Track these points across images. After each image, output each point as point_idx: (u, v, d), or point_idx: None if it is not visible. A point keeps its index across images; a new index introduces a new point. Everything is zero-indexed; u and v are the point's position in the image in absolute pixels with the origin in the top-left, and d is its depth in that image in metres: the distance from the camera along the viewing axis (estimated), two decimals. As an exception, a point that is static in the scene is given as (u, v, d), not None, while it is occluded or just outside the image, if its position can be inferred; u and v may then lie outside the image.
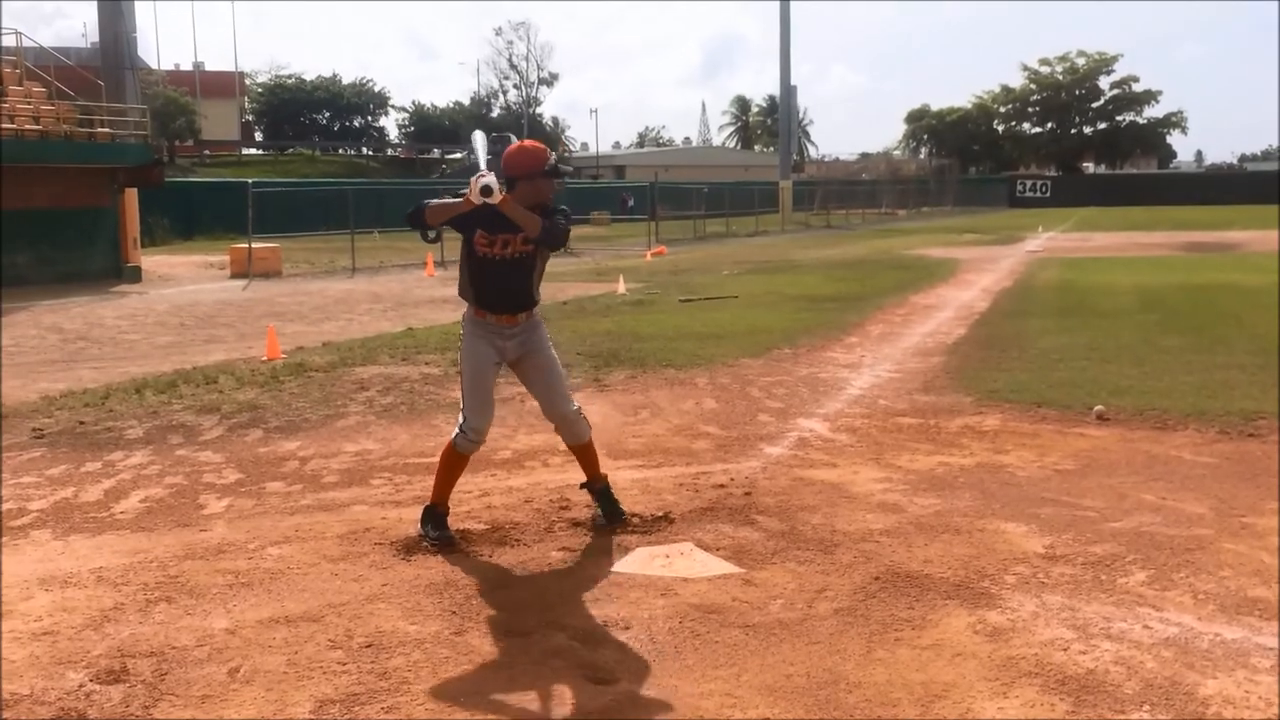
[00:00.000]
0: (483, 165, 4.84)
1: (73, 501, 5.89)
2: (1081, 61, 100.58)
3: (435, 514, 5.16)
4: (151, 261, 26.01)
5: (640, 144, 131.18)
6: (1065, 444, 6.96)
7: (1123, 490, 5.86)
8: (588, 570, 4.78)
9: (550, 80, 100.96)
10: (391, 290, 20.12)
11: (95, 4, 26.17)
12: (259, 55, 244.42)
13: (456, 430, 5.12)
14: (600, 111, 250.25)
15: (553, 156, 5.08)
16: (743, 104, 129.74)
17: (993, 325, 13.10)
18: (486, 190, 4.65)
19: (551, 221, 4.92)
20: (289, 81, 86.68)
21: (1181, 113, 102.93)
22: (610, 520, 5.32)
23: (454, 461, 5.20)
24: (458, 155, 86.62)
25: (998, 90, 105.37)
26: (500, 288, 5.07)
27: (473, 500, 5.69)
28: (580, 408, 5.36)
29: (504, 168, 4.89)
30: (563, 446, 6.63)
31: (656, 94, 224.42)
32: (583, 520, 5.41)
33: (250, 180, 33.60)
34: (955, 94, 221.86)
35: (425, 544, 5.05)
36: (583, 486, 5.48)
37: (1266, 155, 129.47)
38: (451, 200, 4.89)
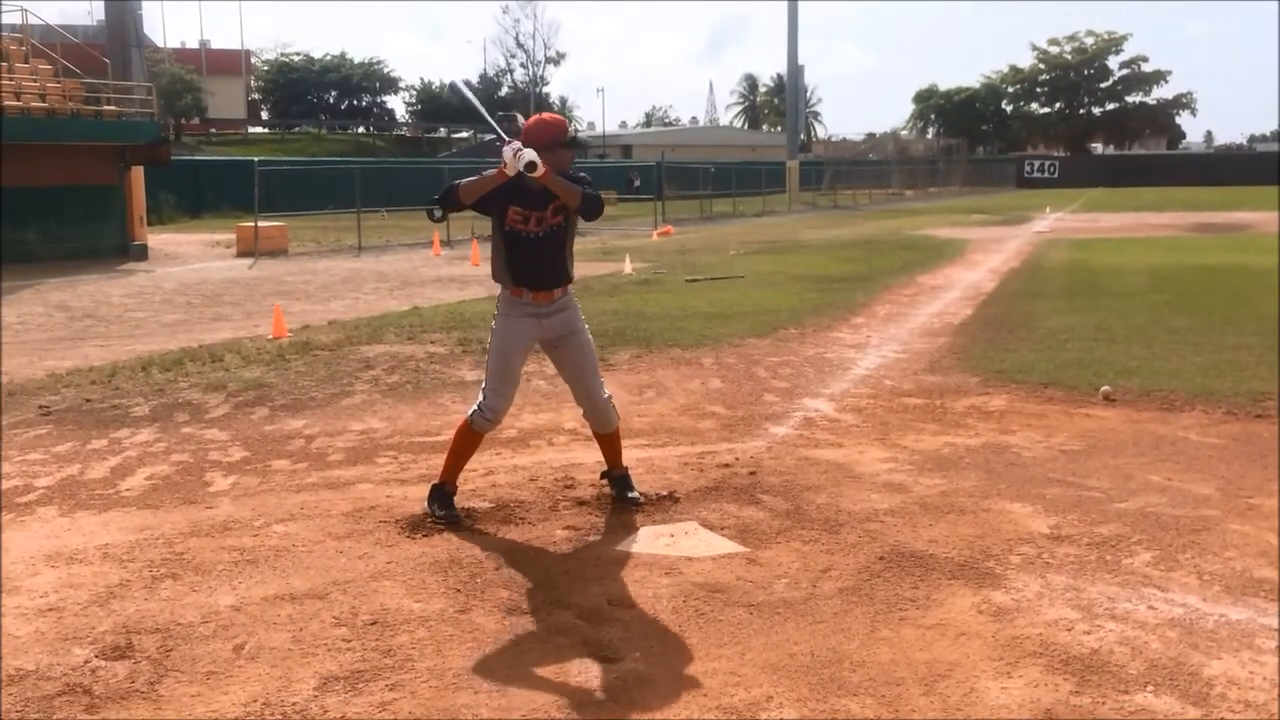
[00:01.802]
0: (506, 137, 4.80)
1: (79, 478, 5.90)
2: (1090, 41, 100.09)
3: (443, 493, 5.17)
4: (158, 239, 26.03)
5: (647, 123, 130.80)
6: (1072, 424, 6.94)
7: (1129, 471, 5.85)
8: (592, 549, 4.78)
9: (557, 59, 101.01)
10: (398, 269, 20.11)
11: (101, -19, 26.10)
12: (265, 33, 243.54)
13: (474, 409, 5.10)
14: (607, 91, 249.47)
15: (572, 127, 5.11)
16: (751, 83, 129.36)
17: (1000, 305, 13.07)
18: (531, 165, 4.60)
19: (587, 190, 4.88)
20: (295, 60, 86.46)
21: (1191, 93, 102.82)
22: (628, 501, 5.32)
23: (469, 440, 5.18)
24: (464, 135, 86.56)
25: (1006, 70, 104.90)
26: (537, 264, 5.02)
27: (478, 478, 5.69)
28: (611, 395, 5.33)
29: (524, 140, 4.85)
30: (569, 425, 6.65)
31: (663, 73, 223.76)
32: (587, 499, 5.41)
33: (257, 159, 33.57)
34: (964, 74, 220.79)
35: (431, 521, 5.06)
36: (603, 476, 5.48)
37: (1277, 136, 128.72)
38: (486, 175, 4.85)
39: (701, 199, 42.56)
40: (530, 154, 4.61)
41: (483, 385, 5.17)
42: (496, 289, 5.22)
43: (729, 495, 5.48)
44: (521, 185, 4.81)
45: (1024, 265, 18.86)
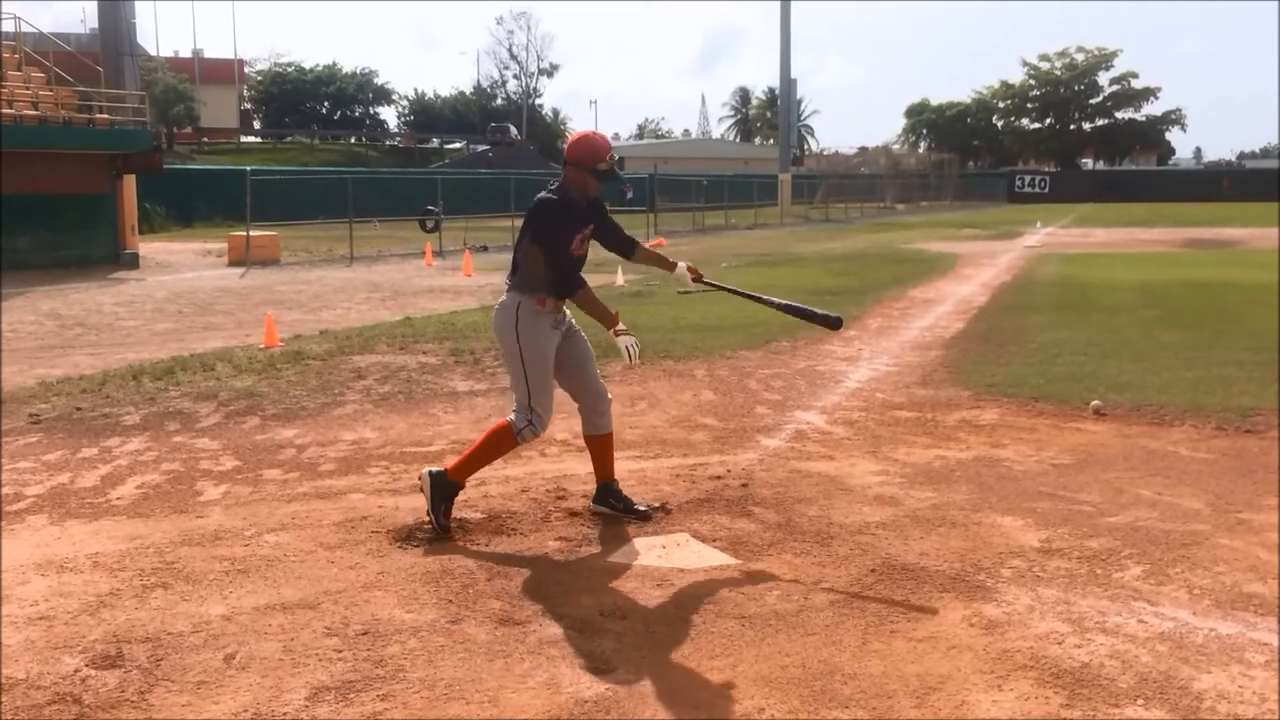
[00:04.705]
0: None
1: (69, 487, 5.89)
2: (1081, 57, 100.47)
3: (454, 490, 5.12)
4: (150, 248, 25.99)
5: (640, 135, 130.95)
6: (1062, 438, 6.96)
7: (1119, 485, 5.87)
8: (585, 560, 4.78)
9: (550, 71, 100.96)
10: (390, 279, 20.10)
11: (95, -11, 26.10)
12: (259, 43, 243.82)
13: (522, 421, 5.07)
14: (600, 103, 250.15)
15: (610, 158, 5.07)
16: (743, 96, 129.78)
17: (991, 319, 13.11)
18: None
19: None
20: (288, 71, 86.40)
21: (1180, 110, 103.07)
22: (636, 514, 5.30)
23: (505, 448, 5.19)
24: (457, 145, 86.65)
25: (997, 86, 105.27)
26: (574, 278, 5.11)
27: (470, 489, 5.66)
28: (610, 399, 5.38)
29: (567, 151, 5.04)
30: (560, 436, 6.64)
31: (656, 86, 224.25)
32: (579, 510, 5.41)
33: (249, 168, 33.55)
34: (955, 89, 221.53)
35: (431, 521, 5.03)
36: (597, 500, 5.40)
37: (1266, 153, 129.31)
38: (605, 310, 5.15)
39: (694, 211, 42.62)
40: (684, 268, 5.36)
41: (526, 398, 5.07)
42: (489, 300, 5.24)
43: (721, 507, 5.49)
44: (576, 209, 5.01)
45: (1015, 279, 18.92)
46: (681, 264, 5.42)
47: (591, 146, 5.05)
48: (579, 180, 5.02)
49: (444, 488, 5.11)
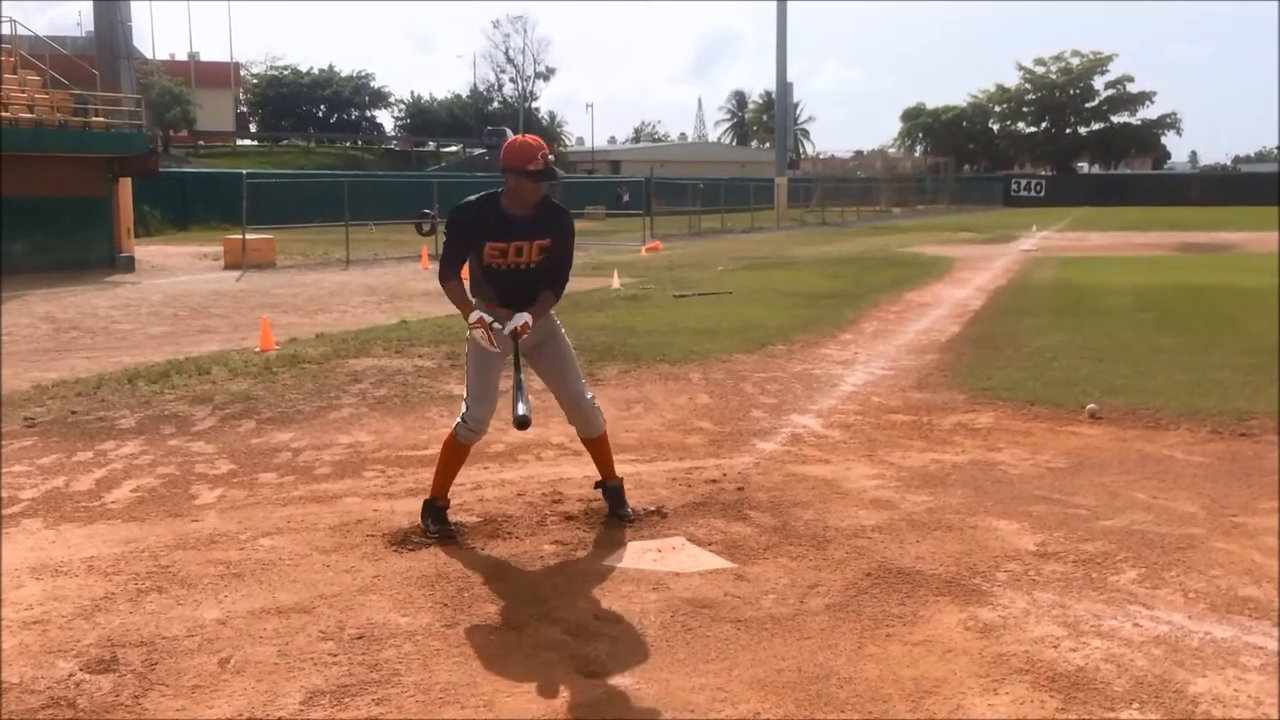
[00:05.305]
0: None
1: (64, 490, 5.88)
2: (1076, 61, 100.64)
3: (435, 508, 5.15)
4: (145, 251, 25.95)
5: (636, 139, 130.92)
6: (1058, 442, 6.97)
7: (1115, 488, 5.87)
8: (580, 564, 4.78)
9: (547, 74, 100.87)
10: (386, 282, 20.08)
11: (91, -8, 26.08)
12: (255, 46, 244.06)
13: (458, 420, 5.12)
14: (596, 106, 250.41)
15: (543, 157, 4.88)
16: (740, 100, 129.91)
17: (987, 323, 13.11)
18: (514, 334, 4.93)
19: (556, 289, 5.13)
20: (284, 74, 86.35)
21: (1176, 114, 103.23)
22: (618, 519, 5.30)
23: (454, 452, 5.19)
24: (454, 149, 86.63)
25: (993, 89, 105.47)
26: (515, 291, 5.03)
27: (465, 493, 5.68)
28: (594, 397, 5.36)
29: (501, 157, 4.93)
30: (556, 440, 6.64)
31: (653, 89, 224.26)
32: (575, 514, 5.41)
33: (245, 171, 33.54)
34: (951, 93, 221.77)
35: (426, 534, 5.05)
36: (597, 485, 5.45)
37: (1261, 157, 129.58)
38: (460, 298, 5.08)
39: (690, 215, 42.63)
40: (518, 321, 4.91)
41: (465, 397, 5.17)
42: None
43: (716, 511, 5.48)
44: (500, 218, 4.90)
45: (1011, 283, 18.93)
46: (525, 315, 4.94)
47: (520, 149, 4.90)
48: (515, 185, 4.88)
49: (428, 507, 5.18)
